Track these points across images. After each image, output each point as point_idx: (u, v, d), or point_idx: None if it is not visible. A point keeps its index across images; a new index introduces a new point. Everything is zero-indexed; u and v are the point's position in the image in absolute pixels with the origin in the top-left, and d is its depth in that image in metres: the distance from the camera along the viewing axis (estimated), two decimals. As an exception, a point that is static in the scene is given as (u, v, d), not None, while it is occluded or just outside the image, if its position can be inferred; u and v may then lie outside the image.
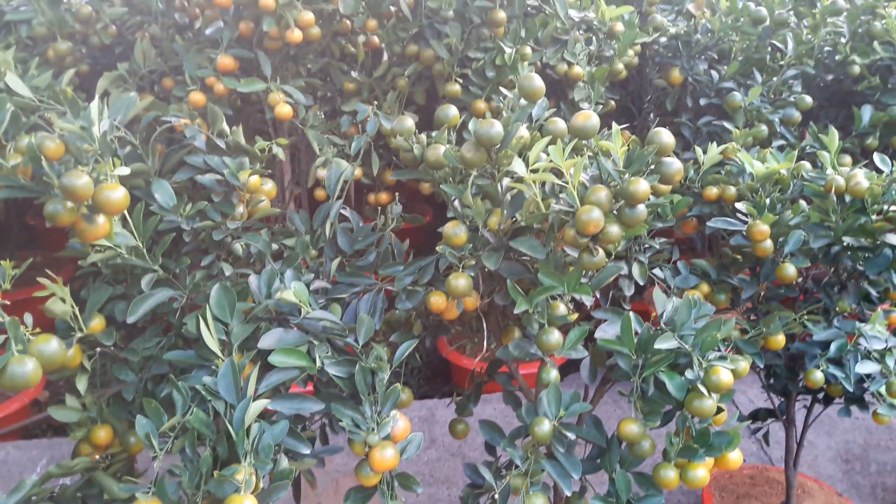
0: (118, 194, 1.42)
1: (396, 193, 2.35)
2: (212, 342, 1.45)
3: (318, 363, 1.48)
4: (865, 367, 1.85)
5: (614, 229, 1.42)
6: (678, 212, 1.94)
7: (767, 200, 1.96)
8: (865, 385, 1.89)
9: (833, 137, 2.08)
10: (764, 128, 2.67)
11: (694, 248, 3.21)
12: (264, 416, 1.46)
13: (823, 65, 3.09)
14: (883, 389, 1.83)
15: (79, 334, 1.61)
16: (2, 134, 1.59)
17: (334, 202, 1.92)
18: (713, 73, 2.94)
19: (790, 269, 1.92)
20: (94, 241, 1.49)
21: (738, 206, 1.97)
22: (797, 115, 2.82)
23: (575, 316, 1.70)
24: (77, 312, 1.59)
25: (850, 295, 2.02)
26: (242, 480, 1.29)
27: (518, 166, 1.48)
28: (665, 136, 1.52)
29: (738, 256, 2.07)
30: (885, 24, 2.88)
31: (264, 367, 1.45)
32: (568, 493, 1.54)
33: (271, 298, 1.58)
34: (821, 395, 2.18)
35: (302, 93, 2.61)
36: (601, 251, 1.46)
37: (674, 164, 1.52)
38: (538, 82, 1.70)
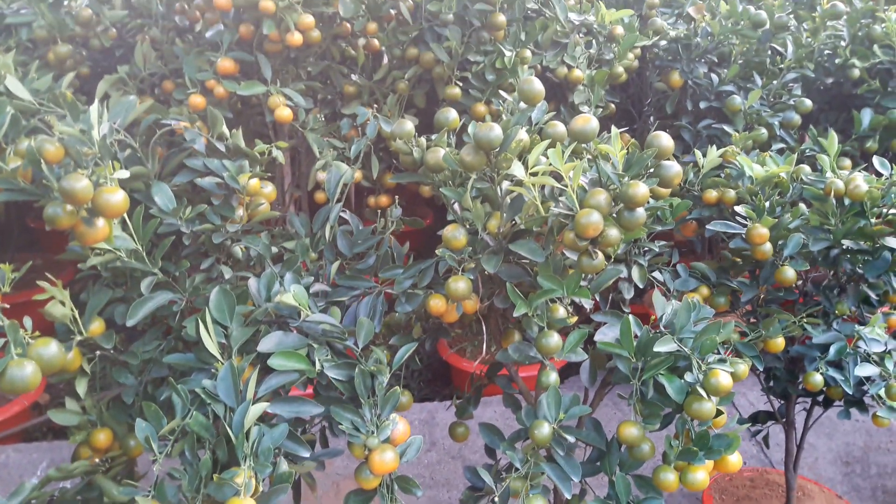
0: (118, 197, 1.42)
1: (396, 196, 2.35)
2: (211, 345, 1.45)
3: (318, 366, 1.48)
4: (865, 370, 1.85)
5: (613, 232, 1.42)
6: (678, 215, 1.94)
7: (767, 204, 1.96)
8: (865, 388, 1.90)
9: (832, 141, 2.08)
10: (764, 131, 2.67)
11: (694, 250, 3.21)
12: (264, 419, 1.46)
13: (823, 68, 3.09)
14: (882, 392, 1.83)
15: (78, 337, 1.61)
16: (2, 137, 1.59)
17: (334, 205, 1.92)
18: (713, 76, 2.94)
19: (789, 273, 1.92)
20: (93, 244, 1.49)
21: (738, 209, 1.97)
22: (797, 119, 2.82)
23: (574, 319, 1.70)
24: (77, 315, 1.59)
25: (850, 298, 2.02)
26: (242, 484, 1.29)
27: (517, 169, 1.48)
28: (664, 140, 1.52)
29: (738, 259, 2.07)
30: (885, 28, 2.89)
31: (264, 370, 1.45)
32: (568, 496, 1.54)
33: (271, 301, 1.58)
34: (821, 398, 2.18)
35: (302, 96, 2.62)
36: (600, 254, 1.46)
37: (673, 168, 1.52)
38: (538, 86, 1.70)
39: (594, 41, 2.99)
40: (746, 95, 2.82)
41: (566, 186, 1.45)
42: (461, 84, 2.79)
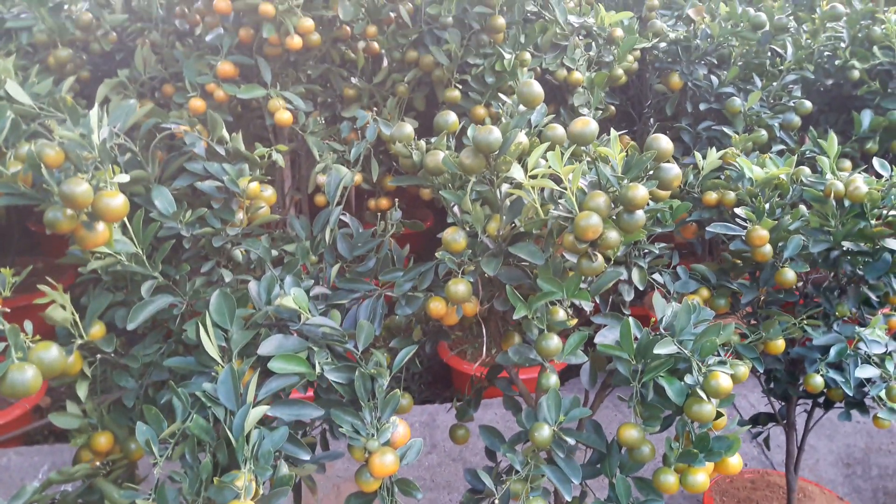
0: (118, 201, 1.42)
1: (397, 199, 2.35)
2: (212, 349, 1.46)
3: (318, 369, 1.48)
4: (865, 372, 1.85)
5: (613, 235, 1.42)
6: (678, 217, 1.95)
7: (767, 205, 1.96)
8: (866, 389, 1.89)
9: (832, 142, 2.08)
10: (763, 133, 2.67)
11: (694, 252, 3.21)
12: (264, 422, 1.46)
13: (823, 69, 3.10)
14: (883, 393, 1.83)
15: (79, 341, 1.61)
16: (2, 141, 1.60)
17: (334, 208, 1.93)
18: (713, 78, 2.94)
19: (789, 274, 1.92)
20: (93, 248, 1.49)
21: (738, 211, 1.97)
22: (797, 120, 2.82)
23: (574, 321, 1.70)
24: (77, 319, 1.59)
25: (850, 299, 2.02)
26: (242, 486, 1.29)
27: (517, 172, 1.48)
28: (663, 142, 1.52)
29: (738, 261, 2.07)
30: (885, 29, 2.89)
31: (264, 373, 1.45)
32: (568, 499, 1.54)
33: (271, 305, 1.58)
34: (821, 400, 2.18)
35: (302, 99, 2.62)
36: (600, 257, 1.46)
37: (672, 170, 1.52)
38: (537, 88, 1.71)
39: (594, 43, 2.99)
40: (746, 97, 2.82)
41: (565, 189, 1.45)
42: (461, 87, 2.79)
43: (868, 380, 1.87)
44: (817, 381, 1.91)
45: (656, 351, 1.50)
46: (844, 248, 1.93)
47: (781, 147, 2.81)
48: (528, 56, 2.76)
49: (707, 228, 2.03)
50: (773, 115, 2.80)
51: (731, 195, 2.09)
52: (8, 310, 1.43)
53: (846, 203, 1.91)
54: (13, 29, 2.59)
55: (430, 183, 1.74)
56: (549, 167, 1.44)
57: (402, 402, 1.69)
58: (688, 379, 1.51)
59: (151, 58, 2.61)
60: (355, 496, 1.56)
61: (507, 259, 1.60)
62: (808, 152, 2.61)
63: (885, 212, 1.89)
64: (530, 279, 1.61)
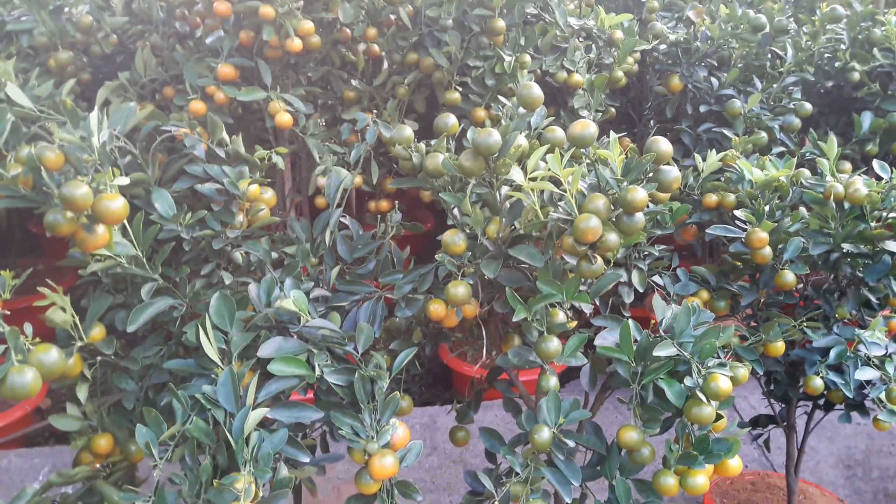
0: (117, 204, 1.43)
1: (397, 201, 2.35)
2: (211, 351, 1.46)
3: (318, 371, 1.48)
4: (865, 374, 1.85)
5: (612, 237, 1.43)
6: (678, 219, 1.95)
7: (766, 207, 1.96)
8: (866, 391, 1.89)
9: (832, 144, 2.08)
10: (763, 135, 2.67)
11: (694, 254, 3.21)
12: (264, 424, 1.46)
13: (823, 71, 3.10)
14: (883, 395, 1.83)
15: (79, 343, 1.61)
16: (2, 144, 1.60)
17: (334, 210, 1.93)
18: (713, 80, 2.94)
19: (789, 276, 1.92)
20: (93, 250, 1.50)
21: (737, 213, 1.97)
22: (797, 122, 2.82)
23: (574, 323, 1.70)
24: (77, 321, 1.60)
25: (850, 301, 2.02)
26: (242, 489, 1.29)
27: (516, 175, 1.48)
28: (663, 145, 1.52)
29: (738, 263, 2.07)
30: (885, 31, 2.89)
31: (264, 375, 1.46)
32: (568, 501, 1.54)
33: (271, 307, 1.58)
34: (821, 402, 2.18)
35: (302, 101, 2.62)
36: (599, 259, 1.46)
37: (671, 173, 1.52)
38: (536, 91, 1.71)
39: (594, 45, 2.99)
40: (746, 99, 2.82)
41: (565, 191, 1.45)
42: (461, 89, 2.80)
43: (868, 382, 1.87)
44: (817, 383, 1.91)
45: (656, 353, 1.50)
46: (844, 251, 1.93)
47: (781, 149, 2.81)
48: (527, 58, 2.76)
49: (707, 231, 2.03)
50: (773, 117, 2.80)
51: (731, 197, 2.09)
52: (8, 312, 1.44)
53: (846, 205, 1.91)
54: (14, 32, 2.59)
55: (429, 185, 1.74)
56: (549, 169, 1.44)
57: (401, 405, 1.69)
58: (687, 381, 1.51)
59: (152, 60, 2.61)
60: (355, 498, 1.56)
61: (506, 261, 1.60)
62: (808, 154, 2.61)
63: (884, 214, 1.89)
64: (530, 281, 1.62)
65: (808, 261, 1.98)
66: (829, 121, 3.09)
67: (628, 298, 1.96)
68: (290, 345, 1.50)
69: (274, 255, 1.90)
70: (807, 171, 2.06)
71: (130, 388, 1.72)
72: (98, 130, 1.48)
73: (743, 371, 1.59)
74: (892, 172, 1.95)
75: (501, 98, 2.13)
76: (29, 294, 2.26)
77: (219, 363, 1.47)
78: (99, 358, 1.71)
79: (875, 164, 2.04)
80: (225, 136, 1.95)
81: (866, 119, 2.74)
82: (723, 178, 2.17)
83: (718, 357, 1.56)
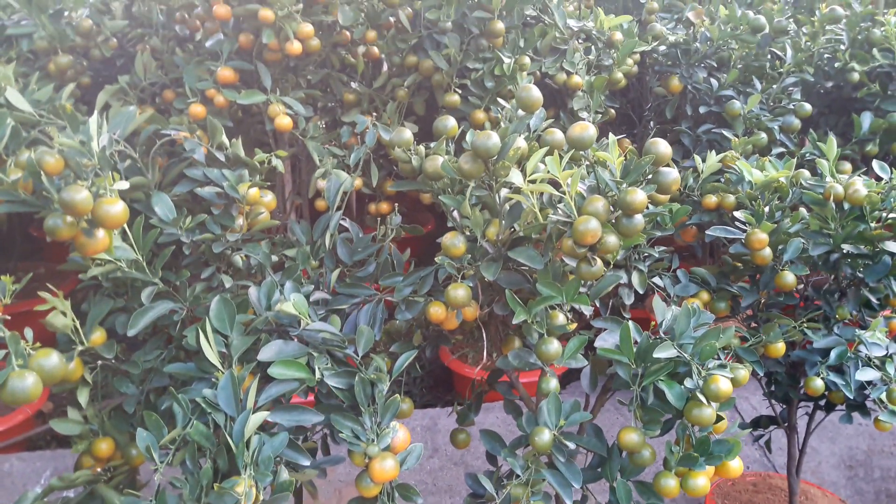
0: (117, 208, 1.43)
1: (397, 203, 2.35)
2: (212, 354, 1.46)
3: (318, 375, 1.49)
4: (866, 375, 1.85)
5: (612, 239, 1.43)
6: (677, 220, 1.95)
7: (766, 208, 1.96)
8: (866, 392, 1.89)
9: (831, 145, 2.08)
10: (763, 135, 2.67)
11: (695, 255, 3.21)
12: (265, 427, 1.46)
13: (823, 72, 3.10)
14: (884, 396, 1.83)
15: (80, 347, 1.61)
16: (2, 149, 1.60)
17: (334, 213, 1.93)
18: (712, 81, 2.94)
19: (789, 277, 1.92)
20: (94, 254, 1.50)
21: (737, 214, 1.97)
22: (797, 123, 2.82)
23: (574, 325, 1.71)
24: (78, 326, 1.60)
25: (850, 302, 2.02)
26: (242, 493, 1.29)
27: (516, 177, 1.49)
28: (662, 147, 1.52)
29: (738, 264, 2.07)
30: (885, 32, 2.89)
31: (264, 379, 1.46)
32: (569, 503, 1.54)
33: (271, 310, 1.59)
34: (822, 402, 2.18)
35: (302, 104, 2.63)
36: (599, 261, 1.46)
37: (671, 174, 1.52)
38: (536, 93, 1.71)
39: (593, 47, 2.99)
40: (746, 100, 2.82)
41: (564, 194, 1.45)
42: (460, 91, 2.80)
43: (869, 382, 1.87)
44: (818, 384, 1.91)
45: (656, 355, 1.50)
46: (844, 251, 1.93)
47: (781, 150, 2.81)
48: (527, 60, 2.77)
49: (707, 232, 2.03)
50: (772, 118, 2.80)
51: (731, 198, 2.09)
52: (8, 317, 1.44)
53: (846, 206, 1.91)
54: (14, 36, 2.60)
55: (429, 188, 1.75)
56: (548, 172, 1.44)
57: (402, 407, 1.69)
58: (688, 383, 1.51)
59: (152, 63, 2.61)
60: (356, 501, 1.56)
61: (506, 263, 1.60)
62: (807, 155, 2.61)
63: (884, 214, 1.89)
64: (530, 283, 1.62)
65: (808, 262, 1.98)
66: (828, 121, 3.09)
67: (628, 300, 1.96)
68: (290, 348, 1.50)
69: (274, 258, 1.90)
70: (806, 172, 2.06)
71: (131, 391, 1.73)
72: (98, 135, 1.49)
73: (743, 372, 1.59)
74: (891, 173, 1.95)
75: (501, 100, 2.13)
76: (30, 298, 2.27)
77: (219, 367, 1.47)
78: (100, 362, 1.71)
79: (875, 164, 2.04)
80: (225, 139, 1.96)
81: (866, 119, 2.74)
82: (723, 180, 2.17)
83: (719, 358, 1.56)
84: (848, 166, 2.74)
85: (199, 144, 1.92)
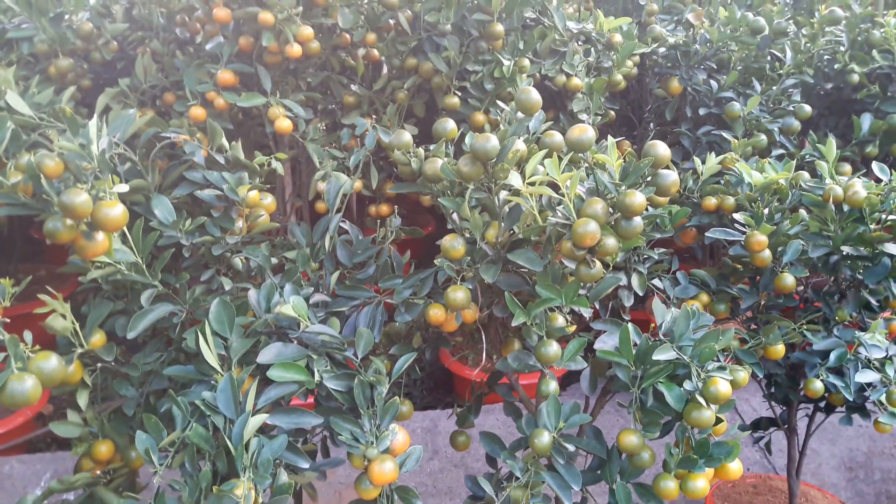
0: (117, 211, 1.43)
1: (397, 205, 2.35)
2: (211, 357, 1.46)
3: (317, 377, 1.49)
4: (865, 376, 1.85)
5: (611, 241, 1.43)
6: (677, 222, 1.95)
7: (766, 210, 1.96)
8: (866, 394, 1.89)
9: (831, 147, 2.08)
10: (763, 137, 2.67)
11: (695, 257, 3.21)
12: (264, 430, 1.46)
13: (822, 73, 3.10)
14: (883, 398, 1.83)
15: (79, 350, 1.61)
16: (2, 152, 1.61)
17: (333, 215, 1.93)
18: (712, 82, 2.94)
19: (789, 279, 1.92)
20: (93, 257, 1.50)
21: (737, 216, 1.97)
22: (796, 124, 2.82)
23: (573, 327, 1.70)
24: (78, 328, 1.60)
25: (850, 304, 2.02)
26: (242, 495, 1.29)
27: (515, 179, 1.49)
28: (660, 149, 1.52)
29: (738, 266, 2.07)
30: (884, 33, 2.89)
31: (263, 381, 1.46)
32: (568, 505, 1.55)
33: (270, 313, 1.59)
34: (822, 404, 2.17)
35: (302, 106, 2.63)
36: (598, 263, 1.46)
37: (670, 176, 1.52)
38: (535, 96, 1.71)
39: (593, 49, 3.00)
40: (745, 102, 2.82)
41: (563, 196, 1.45)
42: (460, 94, 2.80)
43: (868, 384, 1.87)
44: (817, 386, 1.91)
45: (655, 357, 1.50)
46: (844, 253, 1.93)
47: (781, 151, 2.81)
48: (526, 62, 2.77)
49: (706, 234, 2.03)
50: (772, 120, 2.80)
51: (731, 200, 2.09)
52: (8, 319, 1.44)
53: (845, 207, 1.91)
54: (14, 39, 2.60)
55: (429, 190, 1.75)
56: (547, 174, 1.44)
57: (401, 410, 1.69)
58: (687, 385, 1.51)
59: (152, 66, 2.62)
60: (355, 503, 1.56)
61: (505, 266, 1.60)
62: (807, 156, 2.61)
63: (884, 216, 1.89)
64: (529, 286, 1.62)
65: (807, 263, 1.98)
66: (828, 123, 3.09)
67: (628, 302, 1.96)
68: (289, 350, 1.50)
69: (274, 260, 1.91)
70: (806, 174, 2.06)
71: (131, 394, 1.73)
72: (97, 138, 1.49)
73: (743, 374, 1.59)
74: (891, 174, 1.95)
75: (500, 102, 2.13)
76: (30, 300, 2.27)
77: (218, 369, 1.47)
78: (99, 364, 1.71)
79: (874, 166, 2.04)
80: (225, 141, 1.96)
81: (866, 121, 2.74)
82: (722, 181, 2.17)
83: (718, 360, 1.56)
84: (848, 168, 2.74)
85: (199, 147, 1.92)
